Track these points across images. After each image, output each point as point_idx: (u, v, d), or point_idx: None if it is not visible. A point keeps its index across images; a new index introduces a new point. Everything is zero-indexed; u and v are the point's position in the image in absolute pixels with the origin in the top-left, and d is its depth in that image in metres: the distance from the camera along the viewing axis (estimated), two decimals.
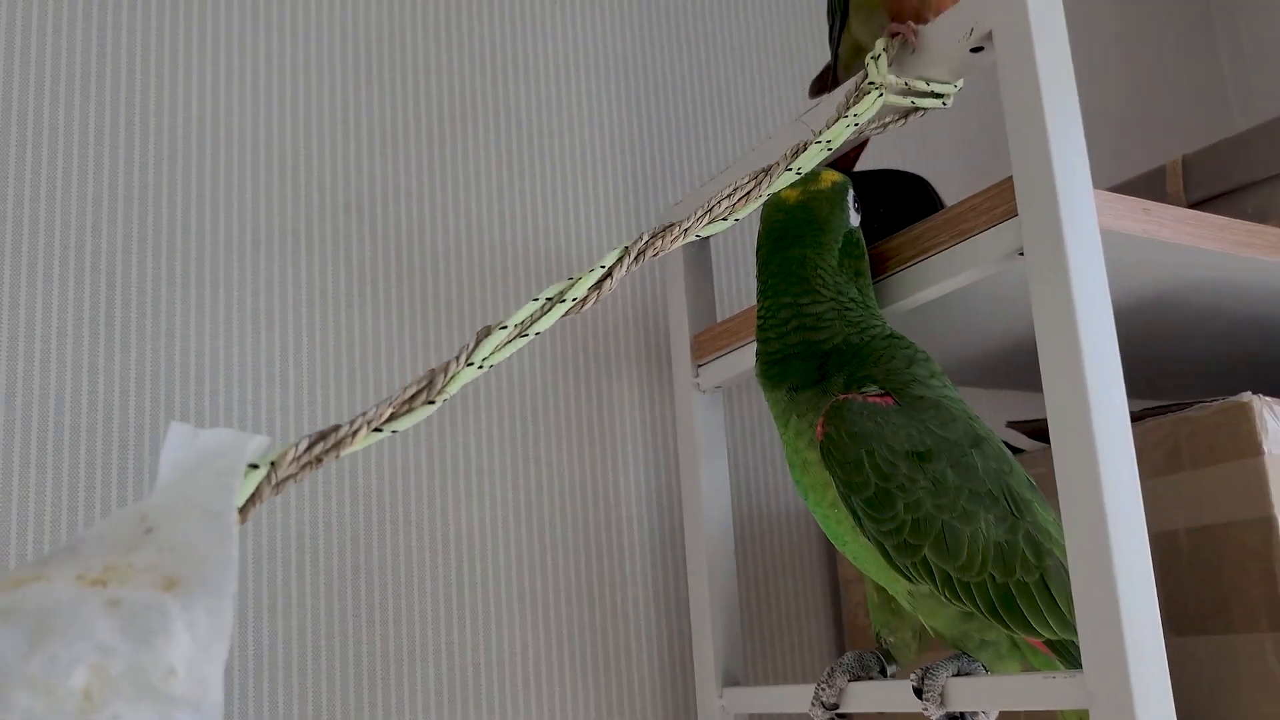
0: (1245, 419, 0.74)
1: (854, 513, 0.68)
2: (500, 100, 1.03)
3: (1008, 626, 0.67)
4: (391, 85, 0.98)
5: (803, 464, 0.73)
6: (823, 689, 0.75)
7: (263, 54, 0.93)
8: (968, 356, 0.95)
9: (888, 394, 0.71)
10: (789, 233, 0.76)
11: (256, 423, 0.87)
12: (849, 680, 0.75)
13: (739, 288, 1.08)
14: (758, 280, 0.78)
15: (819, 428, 0.70)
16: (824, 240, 0.75)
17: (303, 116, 0.94)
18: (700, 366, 0.93)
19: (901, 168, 0.96)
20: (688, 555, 0.92)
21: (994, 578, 0.67)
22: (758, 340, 0.77)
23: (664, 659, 0.98)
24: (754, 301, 1.03)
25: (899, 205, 0.88)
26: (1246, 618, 0.73)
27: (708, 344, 0.92)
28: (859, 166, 0.91)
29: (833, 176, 0.78)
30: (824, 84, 0.89)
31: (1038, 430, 0.92)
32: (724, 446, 0.92)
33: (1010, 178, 0.67)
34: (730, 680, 0.89)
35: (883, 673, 0.76)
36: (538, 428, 0.97)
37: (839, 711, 0.76)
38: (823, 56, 1.21)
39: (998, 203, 0.69)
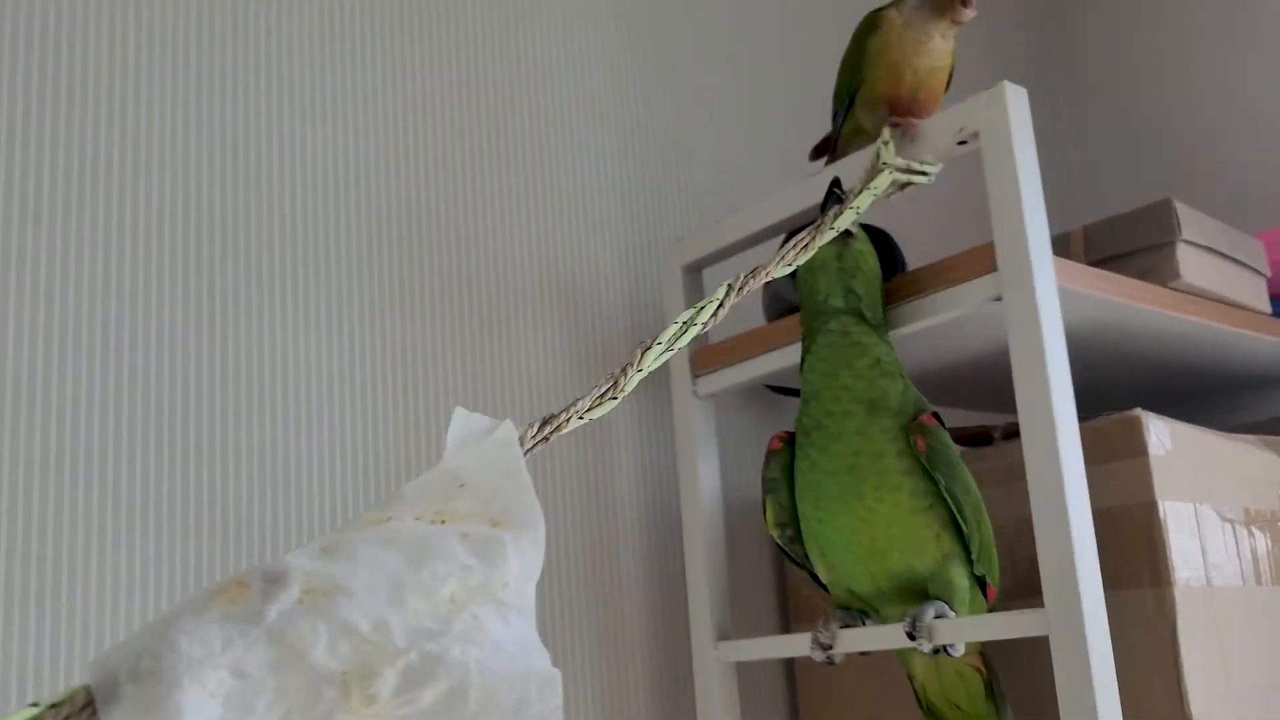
0: (1135, 428, 0.98)
1: (954, 496, 0.89)
2: (522, 143, 1.19)
3: (977, 565, 0.91)
4: (435, 126, 1.13)
5: (857, 450, 0.90)
6: (820, 633, 0.95)
7: (330, 100, 1.07)
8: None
9: (932, 414, 0.92)
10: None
11: (331, 412, 1.01)
12: (840, 627, 0.96)
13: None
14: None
15: (920, 441, 0.89)
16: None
17: (365, 150, 1.08)
18: (697, 378, 1.12)
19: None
20: (685, 533, 1.10)
21: (984, 534, 0.92)
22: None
23: (658, 623, 1.16)
24: (738, 327, 1.23)
25: None
26: (1134, 577, 0.97)
27: (706, 359, 1.11)
28: None
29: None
30: (823, 150, 1.10)
31: (961, 437, 1.15)
32: (716, 444, 1.11)
33: (990, 242, 0.89)
34: (722, 635, 1.07)
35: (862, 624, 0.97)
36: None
37: (830, 653, 0.96)
38: (788, 120, 1.42)
39: (979, 259, 0.90)
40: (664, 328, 1.15)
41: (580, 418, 0.70)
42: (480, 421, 0.65)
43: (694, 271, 1.15)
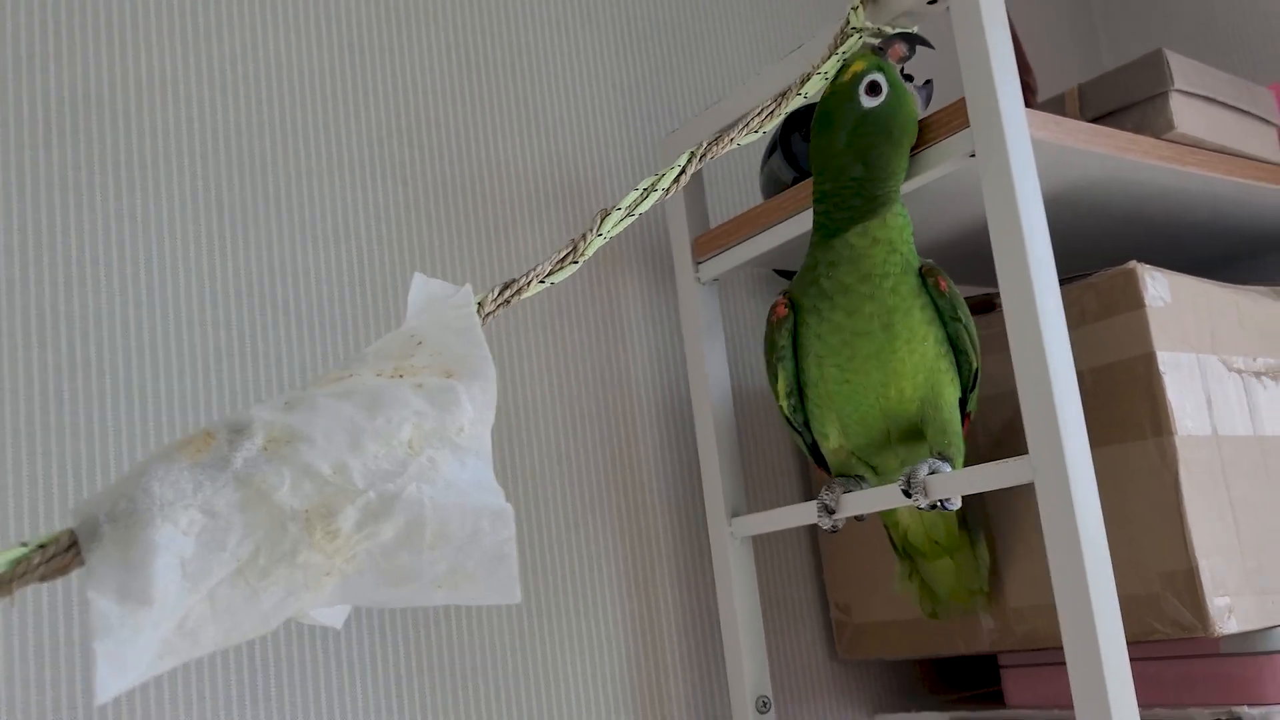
0: (1132, 281, 0.98)
1: (966, 328, 0.93)
2: (518, 48, 1.21)
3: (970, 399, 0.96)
4: (429, 37, 1.16)
5: (894, 280, 0.91)
6: (825, 496, 0.98)
7: (324, 17, 1.10)
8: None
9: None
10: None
11: (340, 315, 1.05)
12: (842, 492, 0.98)
13: (726, 198, 1.30)
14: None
15: (941, 282, 0.93)
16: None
17: (361, 65, 1.11)
18: (700, 263, 1.14)
19: None
20: (695, 417, 1.13)
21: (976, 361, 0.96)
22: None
23: (676, 503, 1.20)
24: (738, 211, 1.25)
25: None
26: (1135, 429, 0.97)
27: (706, 244, 1.13)
28: None
29: (855, 68, 0.92)
30: None
31: (978, 305, 1.15)
32: (721, 327, 1.14)
33: (962, 98, 0.90)
34: (735, 512, 1.10)
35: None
36: (563, 320, 1.17)
37: (834, 519, 0.99)
38: (788, 11, 1.42)
39: (953, 117, 0.91)
40: (669, 223, 1.18)
41: (541, 281, 0.73)
42: (439, 286, 0.68)
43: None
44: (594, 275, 1.20)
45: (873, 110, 0.91)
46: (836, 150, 0.93)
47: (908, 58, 0.93)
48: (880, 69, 0.91)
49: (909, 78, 0.94)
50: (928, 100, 0.94)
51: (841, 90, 0.92)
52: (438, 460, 0.60)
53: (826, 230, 0.94)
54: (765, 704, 1.08)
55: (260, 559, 0.56)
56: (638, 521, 1.17)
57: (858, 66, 0.92)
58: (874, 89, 0.91)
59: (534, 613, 1.09)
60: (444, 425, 0.61)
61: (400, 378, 0.62)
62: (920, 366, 0.93)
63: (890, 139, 0.91)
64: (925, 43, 0.93)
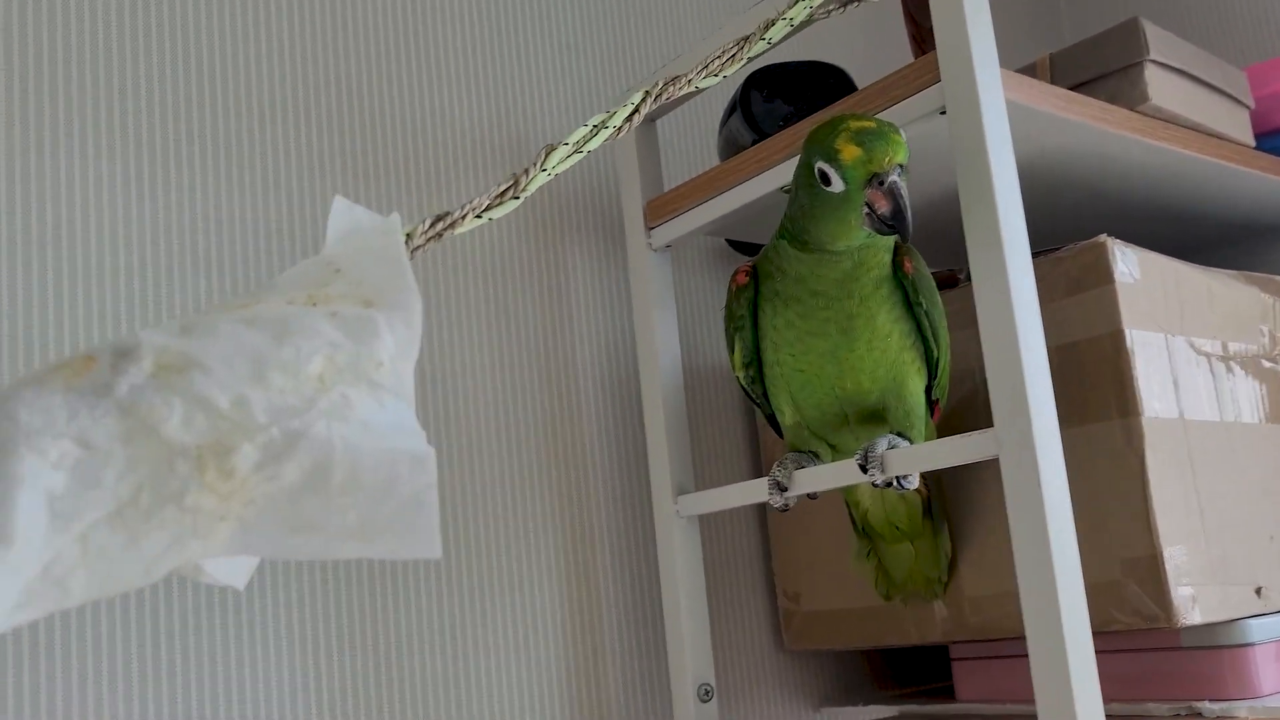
0: (1102, 256, 0.94)
1: (928, 314, 0.87)
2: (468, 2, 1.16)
3: (936, 387, 0.91)
4: None
5: (860, 298, 0.85)
6: (777, 472, 0.92)
7: None
8: None
9: None
10: None
11: (266, 268, 0.98)
12: (795, 468, 0.93)
13: (682, 161, 1.24)
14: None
15: (907, 264, 0.86)
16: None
17: (302, 6, 1.05)
18: (652, 229, 1.08)
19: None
20: (643, 390, 1.07)
21: (946, 359, 0.91)
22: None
23: (619, 478, 1.14)
24: (694, 173, 1.19)
25: (824, 91, 1.05)
26: (1100, 410, 0.93)
27: (659, 209, 1.07)
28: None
29: (844, 146, 0.79)
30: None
31: (942, 280, 1.10)
32: (673, 297, 1.08)
33: (933, 53, 0.85)
34: (681, 490, 1.05)
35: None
36: (506, 286, 1.11)
37: (786, 497, 0.93)
38: None
39: (923, 73, 0.86)
40: (621, 186, 1.12)
41: (478, 215, 0.67)
42: (364, 214, 0.62)
43: (648, 122, 1.11)
44: (541, 237, 1.14)
45: (814, 180, 0.82)
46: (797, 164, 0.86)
47: (882, 214, 0.79)
48: (845, 176, 0.79)
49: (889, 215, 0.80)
50: (875, 226, 0.80)
51: (823, 136, 0.81)
52: (351, 398, 0.54)
53: (781, 226, 0.89)
54: (708, 692, 1.02)
55: (143, 499, 0.49)
56: (578, 497, 1.11)
57: (848, 150, 0.78)
58: (824, 177, 0.80)
59: (466, 590, 1.02)
60: (360, 359, 0.54)
61: (314, 306, 0.56)
62: (881, 362, 0.87)
63: (810, 207, 0.83)
64: (905, 224, 0.78)
